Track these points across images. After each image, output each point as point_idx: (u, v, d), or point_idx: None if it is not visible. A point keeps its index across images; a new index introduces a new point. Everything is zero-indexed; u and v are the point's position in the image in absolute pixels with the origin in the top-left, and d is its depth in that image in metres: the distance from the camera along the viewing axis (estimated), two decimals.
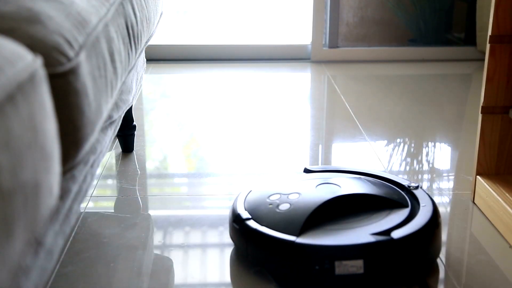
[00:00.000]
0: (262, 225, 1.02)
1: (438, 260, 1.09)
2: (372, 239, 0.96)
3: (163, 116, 1.90)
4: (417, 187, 1.14)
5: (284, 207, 1.04)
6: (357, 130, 1.77)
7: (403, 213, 1.04)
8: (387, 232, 0.99)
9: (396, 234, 0.98)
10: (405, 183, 1.16)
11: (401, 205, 1.07)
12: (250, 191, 1.14)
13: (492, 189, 1.23)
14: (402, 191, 1.13)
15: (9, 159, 0.46)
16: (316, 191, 1.08)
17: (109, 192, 1.37)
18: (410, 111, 1.95)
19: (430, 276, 1.04)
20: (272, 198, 1.08)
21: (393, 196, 1.09)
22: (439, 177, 1.45)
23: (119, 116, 1.08)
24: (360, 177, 1.15)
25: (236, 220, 1.05)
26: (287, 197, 1.07)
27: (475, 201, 1.31)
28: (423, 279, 1.01)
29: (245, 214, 1.05)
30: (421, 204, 1.07)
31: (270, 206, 1.05)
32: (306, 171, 1.24)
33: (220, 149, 1.63)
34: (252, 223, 1.03)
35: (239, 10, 3.58)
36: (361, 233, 0.98)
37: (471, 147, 1.64)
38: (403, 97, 2.11)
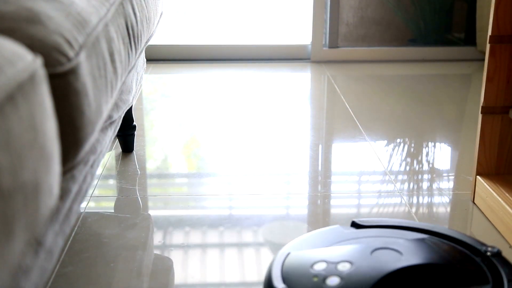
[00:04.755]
0: None
1: None
2: None
3: (163, 116, 1.90)
4: (497, 253, 0.87)
5: (332, 281, 0.82)
6: (357, 130, 1.77)
7: None
8: None
9: None
10: (481, 247, 0.89)
11: (478, 280, 0.82)
12: (288, 253, 0.90)
13: (492, 189, 1.23)
14: (477, 257, 0.88)
15: (9, 159, 0.46)
16: (371, 260, 0.84)
17: (109, 192, 1.37)
18: (410, 111, 1.95)
19: None
20: (316, 267, 0.86)
21: (468, 266, 0.84)
22: (439, 177, 1.45)
23: (119, 116, 1.08)
24: (423, 238, 0.91)
25: None
26: (336, 267, 0.85)
27: (475, 201, 1.31)
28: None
29: None
30: (505, 279, 0.81)
31: (315, 279, 0.83)
32: (355, 225, 0.97)
33: (220, 149, 1.63)
34: None
35: (239, 10, 3.58)
36: None
37: (471, 147, 1.64)
38: (403, 97, 2.11)
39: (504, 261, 0.85)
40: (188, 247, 1.14)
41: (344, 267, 0.84)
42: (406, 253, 0.86)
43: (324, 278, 0.82)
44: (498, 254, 0.86)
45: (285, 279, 0.84)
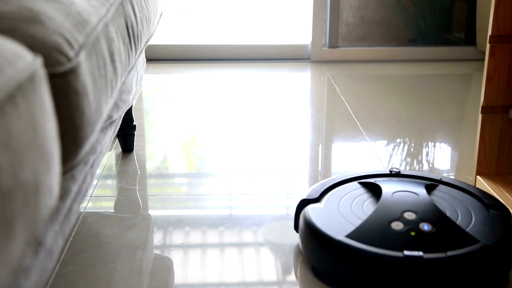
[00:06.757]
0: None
1: None
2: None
3: (163, 116, 1.90)
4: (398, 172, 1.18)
5: (425, 227, 0.98)
6: (357, 130, 1.77)
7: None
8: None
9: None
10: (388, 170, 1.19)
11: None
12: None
13: (492, 189, 1.23)
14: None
15: (9, 159, 0.46)
16: (415, 199, 1.04)
17: (109, 192, 1.37)
18: (410, 111, 1.95)
19: None
20: (395, 226, 0.99)
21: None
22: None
23: (119, 116, 1.08)
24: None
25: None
26: (404, 217, 1.00)
27: None
28: None
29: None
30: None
31: (413, 234, 0.97)
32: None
33: (220, 149, 1.63)
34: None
35: (239, 10, 3.58)
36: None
37: (471, 147, 1.64)
38: (403, 97, 2.11)
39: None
40: (188, 247, 1.14)
41: (411, 216, 1.00)
42: (412, 188, 1.08)
43: (416, 228, 0.97)
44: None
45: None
